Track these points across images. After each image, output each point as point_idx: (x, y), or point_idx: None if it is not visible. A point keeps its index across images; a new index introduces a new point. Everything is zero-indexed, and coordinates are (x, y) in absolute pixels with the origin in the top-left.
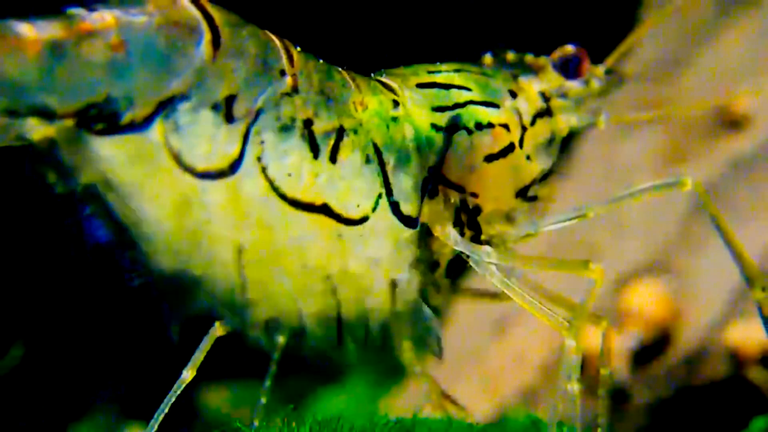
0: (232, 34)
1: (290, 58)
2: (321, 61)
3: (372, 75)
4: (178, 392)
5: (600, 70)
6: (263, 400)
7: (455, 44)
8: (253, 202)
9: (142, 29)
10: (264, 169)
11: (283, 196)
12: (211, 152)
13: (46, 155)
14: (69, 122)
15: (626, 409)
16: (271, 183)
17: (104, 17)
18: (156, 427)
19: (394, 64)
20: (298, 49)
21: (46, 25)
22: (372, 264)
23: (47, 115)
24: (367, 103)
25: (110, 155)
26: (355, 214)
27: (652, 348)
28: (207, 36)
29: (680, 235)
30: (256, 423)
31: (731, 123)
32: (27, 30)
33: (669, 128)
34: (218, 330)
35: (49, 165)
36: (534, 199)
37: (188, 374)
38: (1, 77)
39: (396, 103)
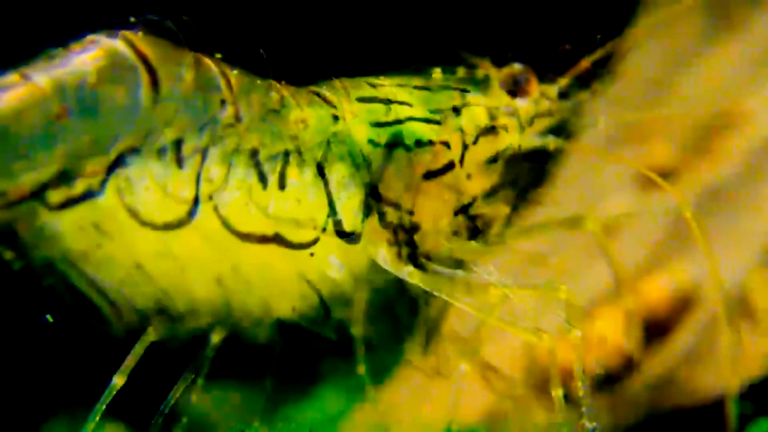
0: (170, 71)
1: (228, 84)
2: (258, 79)
3: (310, 87)
4: (109, 399)
5: (552, 89)
6: None
7: (453, 44)
8: (212, 241)
9: (80, 88)
10: (216, 208)
11: (235, 232)
12: (167, 203)
13: (2, 234)
14: (25, 205)
15: None
16: (224, 221)
17: (40, 83)
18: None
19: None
20: (236, 72)
21: None
22: (333, 275)
23: (0, 201)
24: (308, 120)
25: (67, 226)
26: (307, 238)
27: (617, 374)
28: (145, 80)
29: (649, 260)
30: None
31: (711, 148)
32: None
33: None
34: (150, 335)
35: (6, 243)
36: (478, 217)
37: (119, 380)
38: None
39: (336, 118)
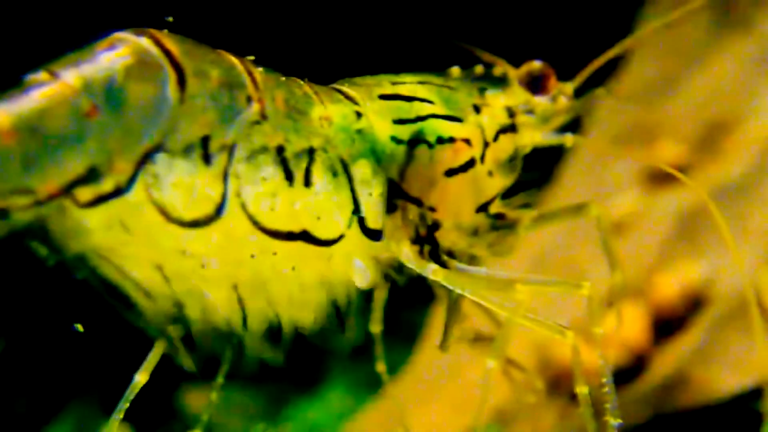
0: (196, 69)
1: (254, 80)
2: (282, 76)
3: (332, 85)
4: (132, 397)
5: (568, 87)
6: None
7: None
8: (240, 239)
9: (109, 86)
10: (243, 205)
11: (263, 229)
12: (194, 199)
13: (35, 231)
14: (55, 202)
15: None
16: (252, 218)
17: (69, 80)
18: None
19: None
20: (260, 69)
21: (13, 104)
22: (358, 282)
23: (31, 198)
24: (332, 117)
25: (95, 223)
26: (333, 235)
27: (627, 373)
28: (172, 77)
29: (661, 259)
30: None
31: (719, 147)
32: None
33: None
34: (171, 333)
35: (39, 240)
36: (500, 217)
37: (141, 378)
38: None
39: (359, 115)
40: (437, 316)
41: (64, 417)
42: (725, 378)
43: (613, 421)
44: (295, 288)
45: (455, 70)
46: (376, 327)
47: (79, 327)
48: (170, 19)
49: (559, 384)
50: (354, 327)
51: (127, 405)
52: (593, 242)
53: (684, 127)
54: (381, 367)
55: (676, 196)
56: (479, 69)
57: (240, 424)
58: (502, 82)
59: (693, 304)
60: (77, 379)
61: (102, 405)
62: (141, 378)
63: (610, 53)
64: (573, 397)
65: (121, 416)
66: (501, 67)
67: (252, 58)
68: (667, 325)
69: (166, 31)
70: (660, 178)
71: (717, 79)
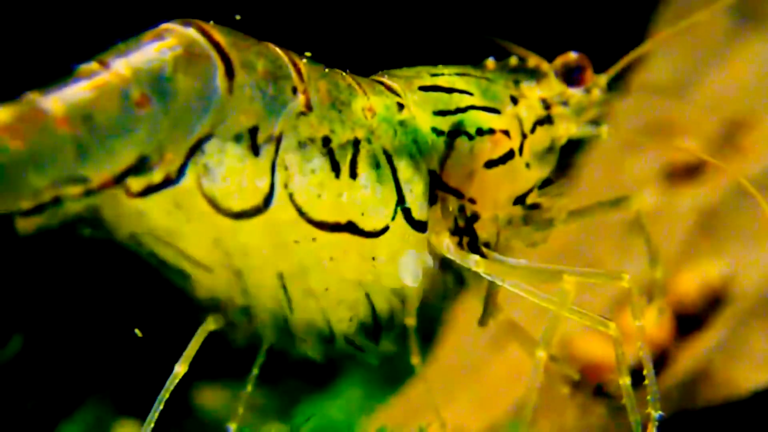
0: (243, 59)
1: (299, 72)
2: (325, 67)
3: (372, 76)
4: (172, 388)
5: (603, 79)
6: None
7: (464, 45)
8: (287, 230)
9: (159, 76)
10: (291, 196)
11: (310, 220)
12: (244, 190)
13: (86, 220)
14: (105, 192)
15: None
16: (300, 209)
17: (120, 70)
18: (152, 423)
19: (400, 64)
20: (304, 60)
21: (66, 93)
22: (398, 266)
23: (84, 187)
24: (375, 108)
25: (152, 211)
26: (378, 226)
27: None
28: (220, 68)
29: (681, 255)
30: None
31: (738, 145)
32: (53, 105)
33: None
34: (210, 324)
35: (88, 226)
36: (536, 207)
37: (180, 368)
38: (37, 157)
39: (401, 106)
40: (460, 311)
41: (78, 415)
42: (747, 374)
43: (655, 413)
44: (334, 281)
45: (490, 62)
46: (410, 320)
47: (138, 332)
48: (238, 17)
49: (582, 379)
50: (390, 340)
51: (167, 396)
52: (611, 238)
53: (703, 125)
54: (416, 359)
55: (696, 193)
56: (513, 61)
57: (253, 421)
58: (535, 74)
59: (714, 301)
60: (92, 377)
61: (116, 404)
62: (181, 369)
63: (643, 48)
64: (595, 393)
65: (162, 407)
66: (534, 60)
67: (309, 54)
68: (689, 321)
69: (212, 22)
70: (680, 175)
71: (736, 78)
